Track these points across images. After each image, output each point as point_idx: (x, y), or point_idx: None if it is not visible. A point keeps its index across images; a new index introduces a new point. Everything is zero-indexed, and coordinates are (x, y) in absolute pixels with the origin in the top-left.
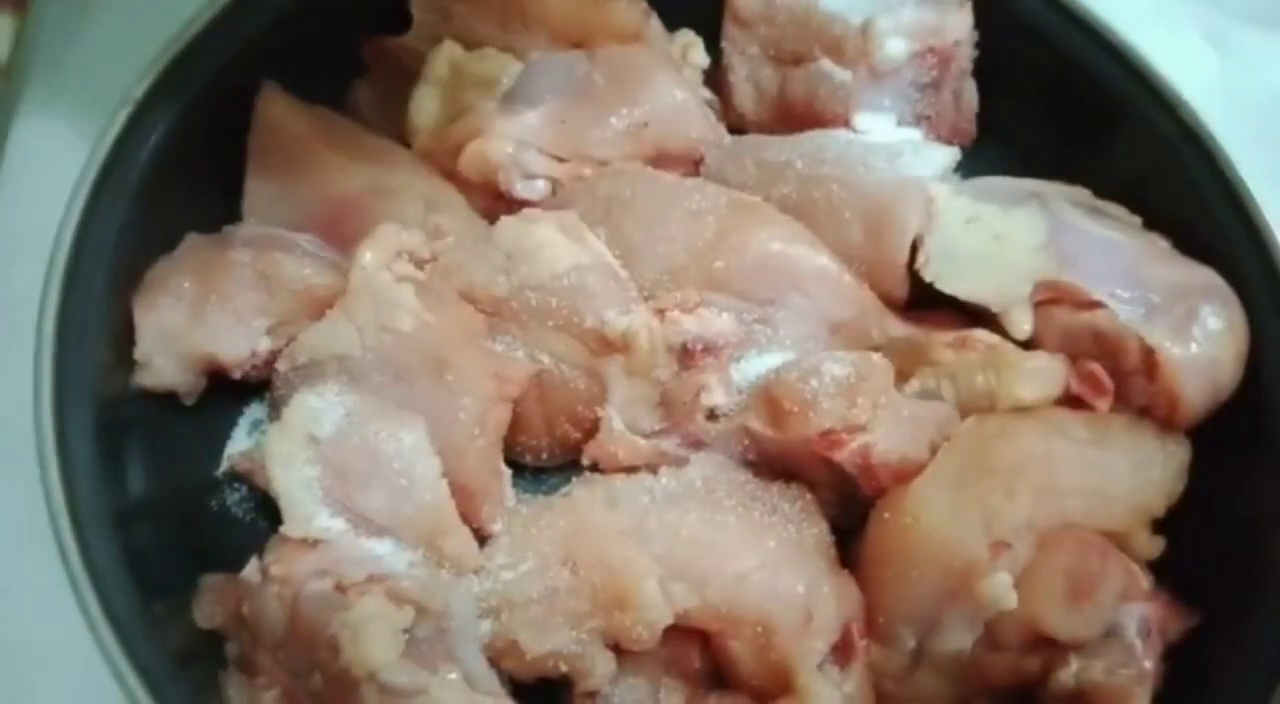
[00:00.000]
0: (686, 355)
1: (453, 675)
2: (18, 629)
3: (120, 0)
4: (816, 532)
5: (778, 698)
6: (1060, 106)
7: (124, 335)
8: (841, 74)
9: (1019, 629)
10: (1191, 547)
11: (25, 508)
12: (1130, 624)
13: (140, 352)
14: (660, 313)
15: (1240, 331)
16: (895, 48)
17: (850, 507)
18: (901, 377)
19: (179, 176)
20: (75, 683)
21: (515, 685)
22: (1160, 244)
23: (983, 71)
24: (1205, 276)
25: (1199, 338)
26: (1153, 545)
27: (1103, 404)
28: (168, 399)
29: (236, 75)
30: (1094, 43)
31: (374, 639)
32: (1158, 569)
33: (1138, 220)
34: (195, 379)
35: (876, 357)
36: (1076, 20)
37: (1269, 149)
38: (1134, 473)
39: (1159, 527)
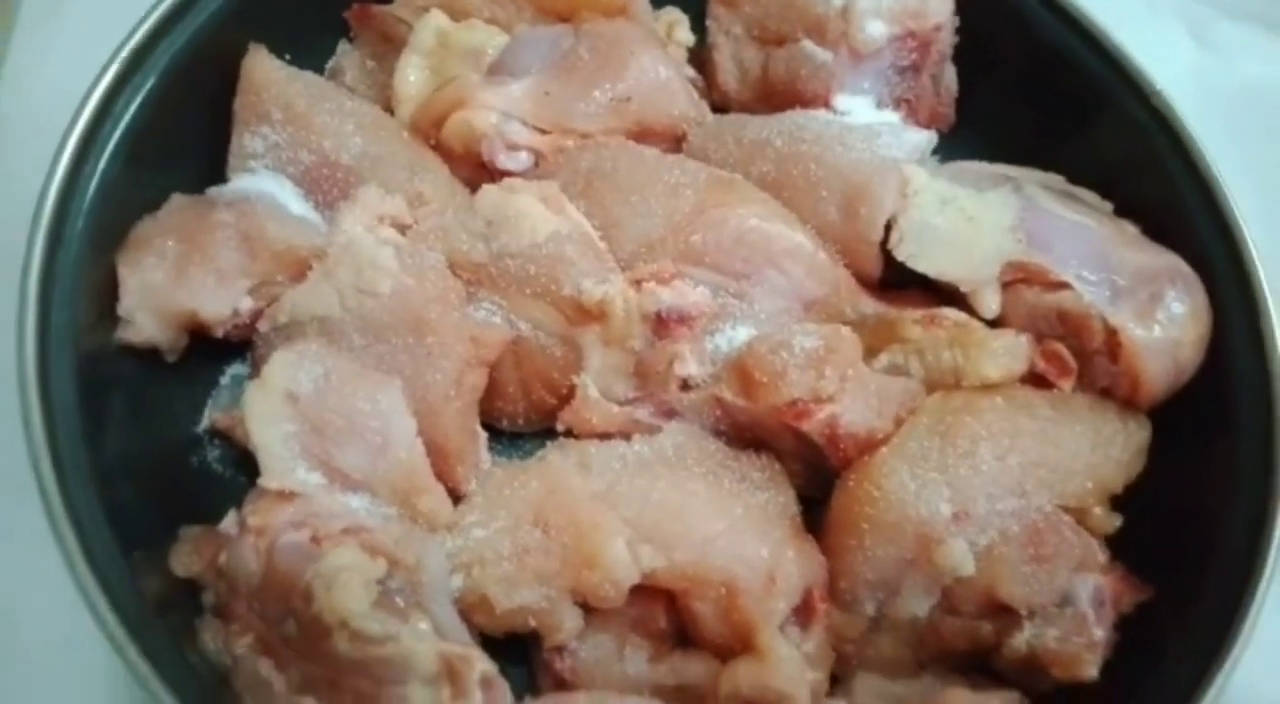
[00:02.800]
0: (661, 325)
1: (423, 625)
2: (1, 581)
3: None
4: (783, 500)
5: (739, 656)
6: (1038, 94)
7: (108, 292)
8: (823, 55)
9: (975, 596)
10: (1148, 523)
11: (9, 460)
12: (1083, 594)
13: (123, 308)
14: (636, 283)
15: (1203, 316)
16: (875, 29)
17: (817, 477)
18: (871, 352)
19: (164, 137)
20: (58, 632)
21: (485, 640)
22: (1129, 230)
23: (963, 58)
24: (1171, 262)
25: (1162, 321)
26: (1109, 521)
27: (1066, 383)
28: (150, 356)
29: (222, 37)
30: (1073, 30)
31: (346, 588)
32: (1114, 544)
33: (1109, 206)
34: (177, 336)
35: (845, 330)
36: (1056, 7)
37: (1242, 139)
38: (1094, 450)
39: (1117, 504)
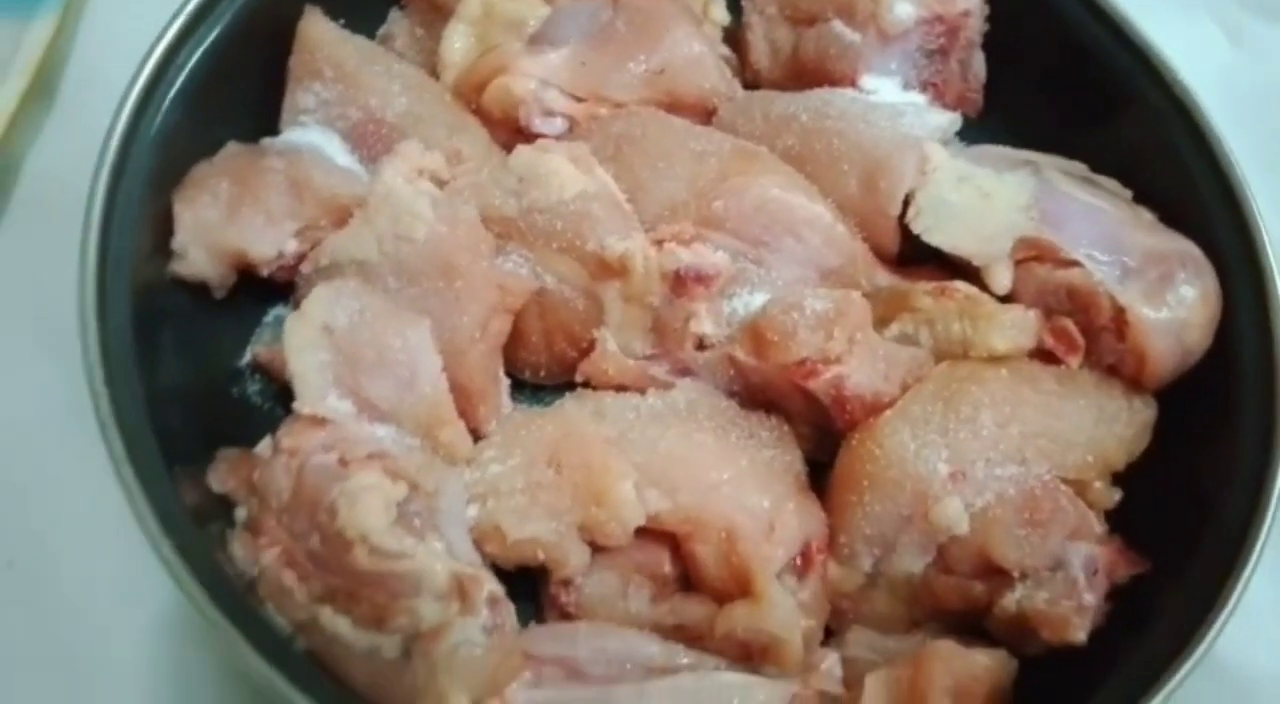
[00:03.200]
0: (679, 283)
1: (438, 545)
2: (56, 487)
3: None
4: (789, 458)
5: (737, 600)
6: (1064, 83)
7: (163, 227)
8: (851, 35)
9: (969, 555)
10: (1146, 499)
11: (67, 382)
12: (1076, 561)
13: (177, 242)
14: (658, 243)
15: (1212, 299)
16: (903, 11)
17: (825, 441)
18: (883, 322)
19: (222, 89)
20: (103, 534)
21: (497, 574)
22: (1145, 216)
23: (991, 46)
24: (1184, 246)
25: (1170, 302)
26: (1109, 495)
27: (1073, 360)
28: (200, 292)
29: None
30: (1100, 22)
31: (368, 506)
32: (1115, 518)
33: (1128, 194)
34: (226, 273)
35: (856, 295)
36: (1098, 10)
37: (1268, 137)
38: (1097, 424)
39: (1118, 480)
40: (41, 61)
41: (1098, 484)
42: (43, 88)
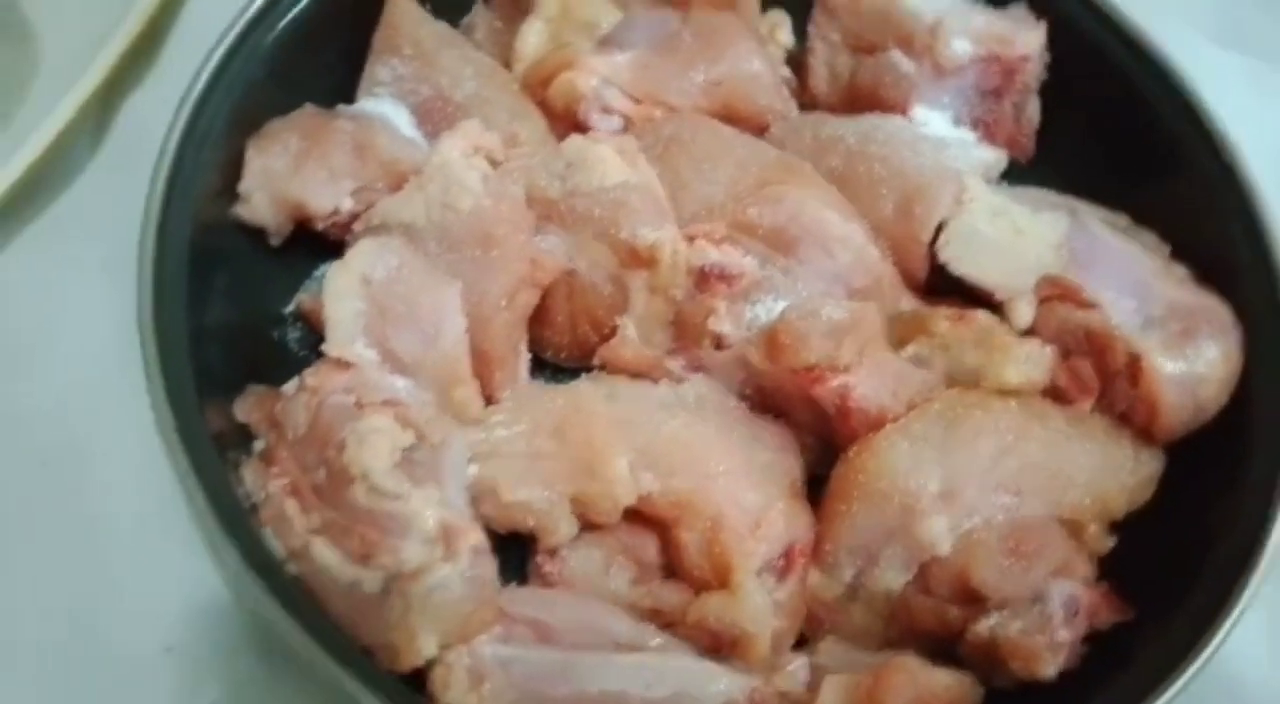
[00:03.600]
0: (703, 278)
1: (433, 493)
2: (96, 396)
3: None
4: (788, 465)
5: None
6: (1117, 138)
7: (233, 172)
8: (907, 65)
9: (950, 578)
10: (1143, 548)
11: (122, 305)
12: (1057, 597)
13: (243, 186)
14: (690, 239)
15: (1233, 359)
16: (960, 47)
17: (828, 455)
18: (900, 343)
19: (309, 54)
20: (130, 447)
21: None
22: (1179, 272)
23: (1048, 93)
24: (1212, 304)
25: (1189, 355)
26: (1104, 541)
27: (1085, 402)
28: (258, 236)
29: None
30: (1158, 81)
31: (374, 446)
32: (1108, 563)
33: (1166, 249)
34: (284, 221)
35: (872, 308)
36: (1148, 60)
37: None
38: (1100, 470)
39: (1116, 527)
40: (150, 19)
41: (1093, 528)
42: (150, 42)
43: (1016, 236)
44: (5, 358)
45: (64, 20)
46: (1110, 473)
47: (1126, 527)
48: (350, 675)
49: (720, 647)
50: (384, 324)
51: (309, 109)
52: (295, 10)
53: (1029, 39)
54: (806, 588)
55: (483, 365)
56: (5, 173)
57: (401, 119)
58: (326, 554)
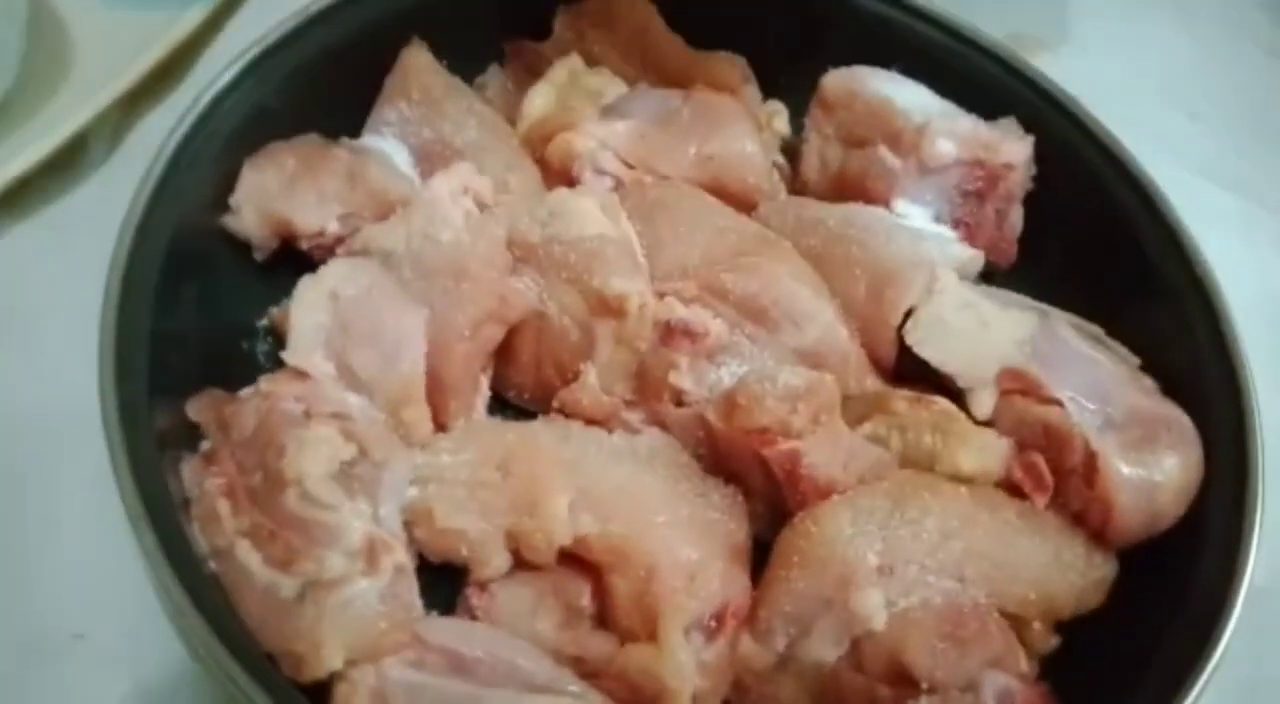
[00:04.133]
0: (668, 333)
1: (365, 508)
2: (48, 384)
3: None
4: (734, 527)
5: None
6: (1098, 256)
7: (228, 185)
8: (893, 161)
9: (882, 655)
10: (1088, 652)
11: (88, 298)
12: (989, 688)
13: (235, 198)
14: (660, 295)
15: (1191, 470)
16: (944, 148)
17: (778, 523)
18: (859, 421)
19: (322, 87)
20: (69, 434)
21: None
22: (1146, 382)
23: (1033, 204)
24: (1175, 414)
25: (1147, 461)
26: (1047, 640)
27: (1039, 498)
28: (243, 250)
29: (398, 27)
30: (1145, 208)
31: (313, 454)
32: (1051, 665)
33: (1136, 361)
34: (270, 237)
35: (829, 378)
36: (1133, 183)
37: None
38: (1049, 567)
39: (1062, 628)
40: (180, 45)
41: (1037, 625)
42: (177, 65)
43: (982, 328)
44: None
45: (102, 34)
46: (1059, 571)
47: (1073, 628)
48: (247, 676)
49: (639, 702)
50: (346, 340)
51: (312, 137)
52: (314, 44)
53: (1014, 149)
54: (737, 654)
55: (439, 392)
56: (19, 162)
57: (401, 157)
58: (249, 556)
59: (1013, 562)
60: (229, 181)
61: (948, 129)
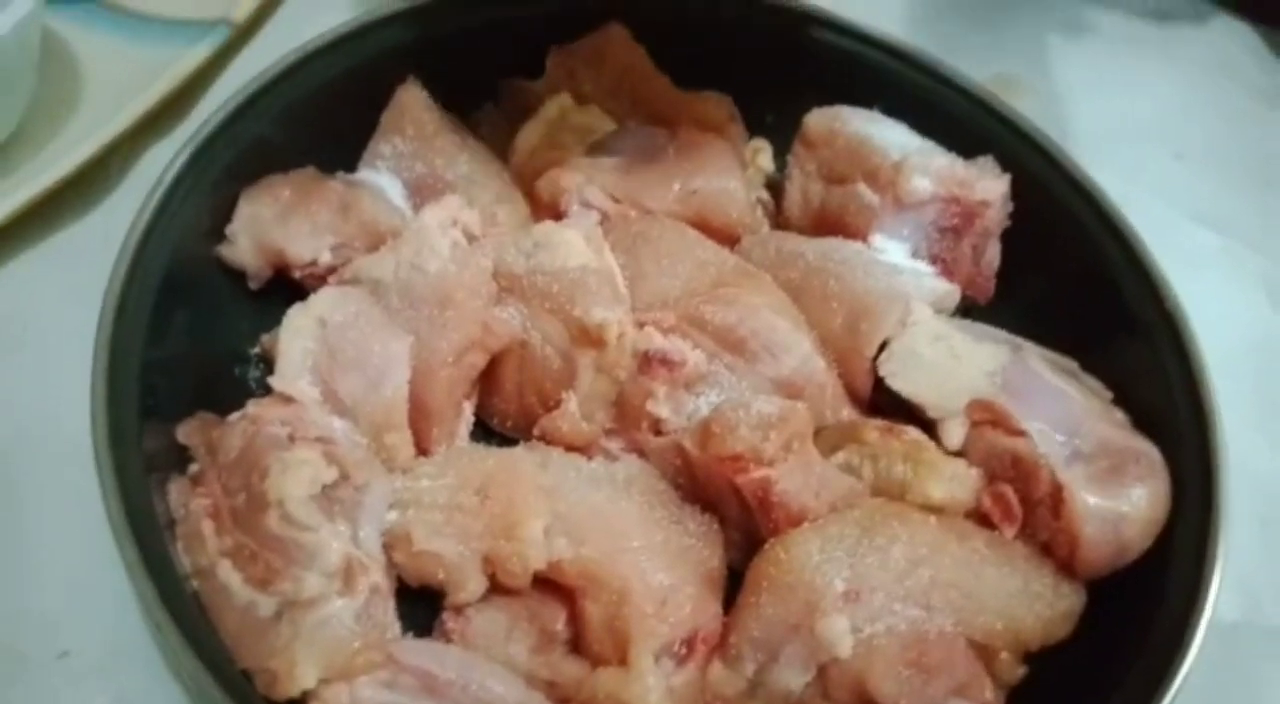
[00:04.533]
0: (646, 362)
1: (344, 530)
2: (43, 405)
3: None
4: (707, 553)
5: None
6: (1073, 294)
7: (224, 215)
8: (871, 197)
9: (848, 682)
10: (1053, 682)
11: (86, 323)
12: None
13: (231, 228)
14: (640, 324)
15: (1159, 502)
16: (919, 184)
17: (752, 551)
18: (831, 450)
19: (320, 122)
20: (63, 455)
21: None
22: (1117, 416)
23: (1010, 241)
24: (1144, 447)
25: (1113, 492)
26: (1014, 671)
27: (1008, 528)
28: (238, 278)
29: (395, 65)
30: (1123, 252)
31: (295, 476)
32: (1018, 696)
33: (1109, 395)
34: (264, 266)
35: (801, 406)
36: (1108, 222)
37: None
38: (1017, 597)
39: (1029, 658)
40: (185, 79)
41: (1004, 655)
42: (183, 99)
43: (953, 360)
44: None
45: (111, 69)
46: (1026, 601)
47: (1039, 659)
48: (222, 692)
49: None
50: (332, 365)
51: (309, 171)
52: (313, 81)
53: (990, 186)
54: (707, 680)
55: (422, 417)
56: (29, 189)
57: (395, 191)
58: (230, 576)
59: (980, 591)
60: (226, 212)
61: (924, 166)
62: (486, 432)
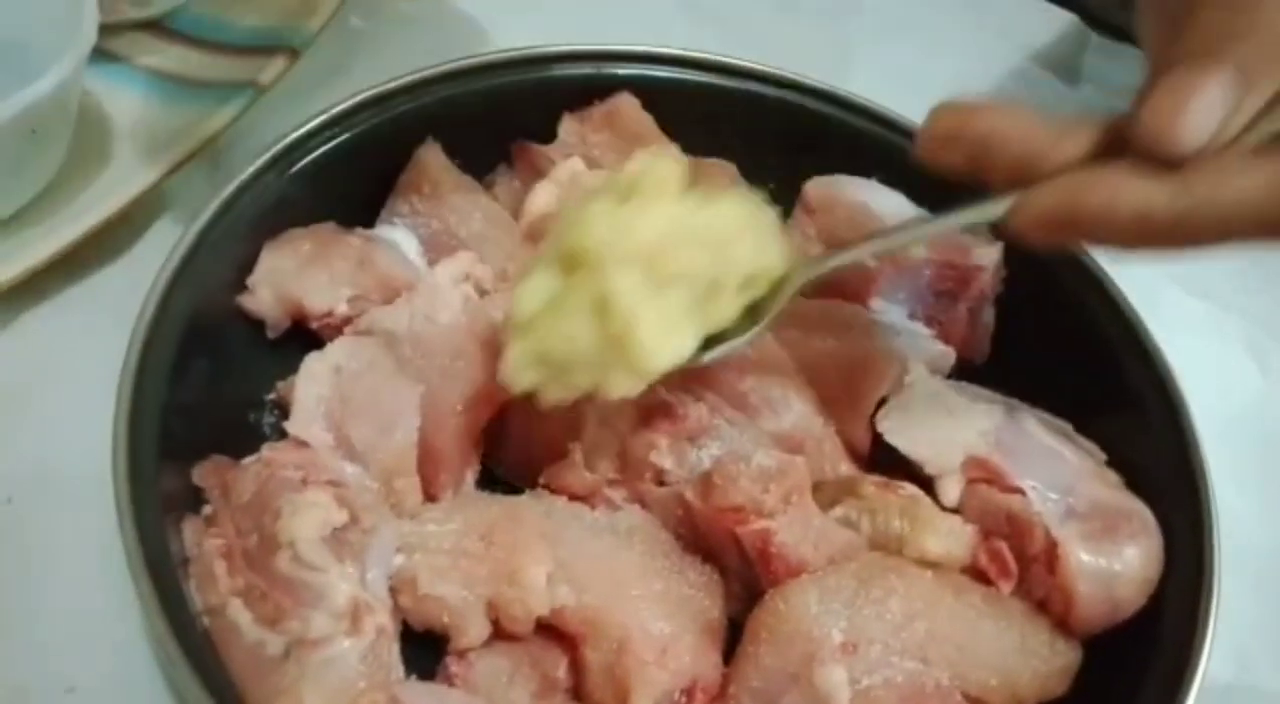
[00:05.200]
0: (649, 414)
1: (352, 571)
2: (64, 447)
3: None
4: (708, 604)
5: None
6: (1067, 359)
7: (247, 266)
8: (870, 261)
9: None
10: None
11: (105, 372)
12: None
13: (252, 279)
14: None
15: (1151, 561)
16: (917, 249)
17: (752, 604)
18: (830, 505)
19: (341, 180)
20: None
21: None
22: (1111, 477)
23: (1005, 306)
24: (1137, 507)
25: (1108, 551)
26: None
27: (1005, 585)
28: (257, 327)
29: (415, 128)
30: (1113, 316)
31: (306, 518)
32: None
33: (1103, 457)
34: (282, 316)
35: (800, 460)
36: (1102, 292)
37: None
38: (1013, 653)
39: None
40: (210, 136)
41: None
42: (208, 154)
43: (949, 418)
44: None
45: (142, 127)
46: (1022, 657)
47: None
48: None
49: None
50: (345, 412)
51: (329, 225)
52: (336, 141)
53: (984, 253)
54: None
55: (430, 464)
56: (54, 241)
57: (410, 247)
58: (240, 615)
59: (977, 645)
60: (248, 264)
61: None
62: (492, 479)
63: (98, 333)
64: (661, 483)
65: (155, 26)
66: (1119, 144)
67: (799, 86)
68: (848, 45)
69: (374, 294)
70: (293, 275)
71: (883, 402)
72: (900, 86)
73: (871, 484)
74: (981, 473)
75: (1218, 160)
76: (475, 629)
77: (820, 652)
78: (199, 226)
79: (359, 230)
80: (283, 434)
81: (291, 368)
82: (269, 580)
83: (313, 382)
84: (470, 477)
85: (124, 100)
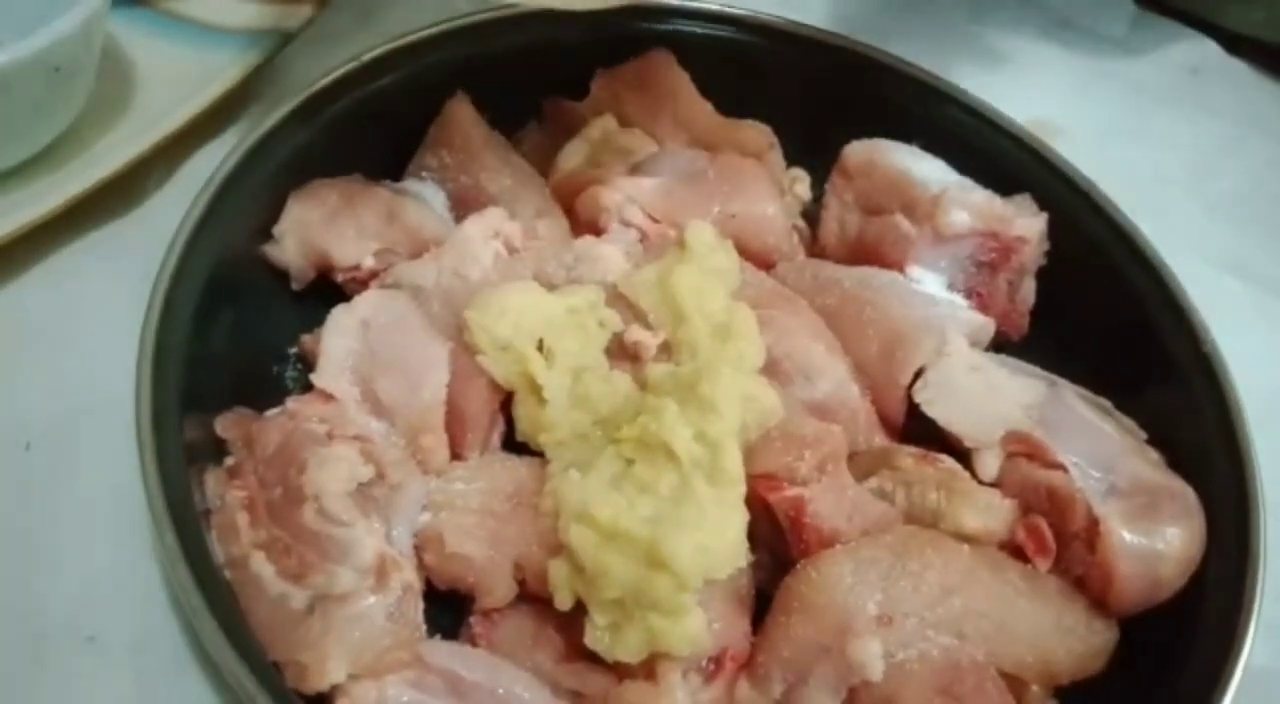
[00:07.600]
0: None
1: (378, 527)
2: (85, 395)
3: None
4: (735, 573)
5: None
6: (1108, 333)
7: (272, 216)
8: (908, 228)
9: None
10: None
11: (129, 318)
12: None
13: (278, 228)
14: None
15: (1194, 542)
16: (959, 218)
17: (781, 574)
18: (865, 476)
19: (368, 131)
20: (106, 442)
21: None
22: (1152, 454)
23: (1046, 280)
24: (1179, 487)
25: (1149, 529)
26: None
27: (1042, 562)
28: (281, 278)
29: (445, 80)
30: (1160, 295)
31: (332, 471)
32: None
33: (1144, 435)
34: (308, 267)
35: (836, 429)
36: (1151, 271)
37: None
38: (1049, 630)
39: (1060, 693)
40: (235, 86)
41: (1035, 689)
42: (234, 102)
43: (990, 391)
44: (18, 352)
45: (165, 72)
46: (1059, 635)
47: (1070, 693)
48: (254, 680)
49: None
50: (372, 366)
51: (356, 177)
52: (362, 91)
53: (1027, 224)
54: (734, 699)
55: (457, 423)
56: (74, 185)
57: (438, 201)
58: (263, 567)
59: (1013, 622)
60: (273, 213)
61: (963, 199)
62: (519, 446)
63: (123, 279)
64: None
65: None
66: None
67: (838, 48)
68: (890, 6)
69: (401, 248)
70: (319, 227)
71: (919, 373)
72: (945, 50)
73: (909, 456)
74: (1022, 447)
75: None
76: (501, 589)
77: (855, 624)
78: (224, 174)
79: (387, 183)
80: (305, 387)
81: (315, 321)
82: (293, 534)
83: (341, 334)
84: (496, 438)
85: (149, 45)
